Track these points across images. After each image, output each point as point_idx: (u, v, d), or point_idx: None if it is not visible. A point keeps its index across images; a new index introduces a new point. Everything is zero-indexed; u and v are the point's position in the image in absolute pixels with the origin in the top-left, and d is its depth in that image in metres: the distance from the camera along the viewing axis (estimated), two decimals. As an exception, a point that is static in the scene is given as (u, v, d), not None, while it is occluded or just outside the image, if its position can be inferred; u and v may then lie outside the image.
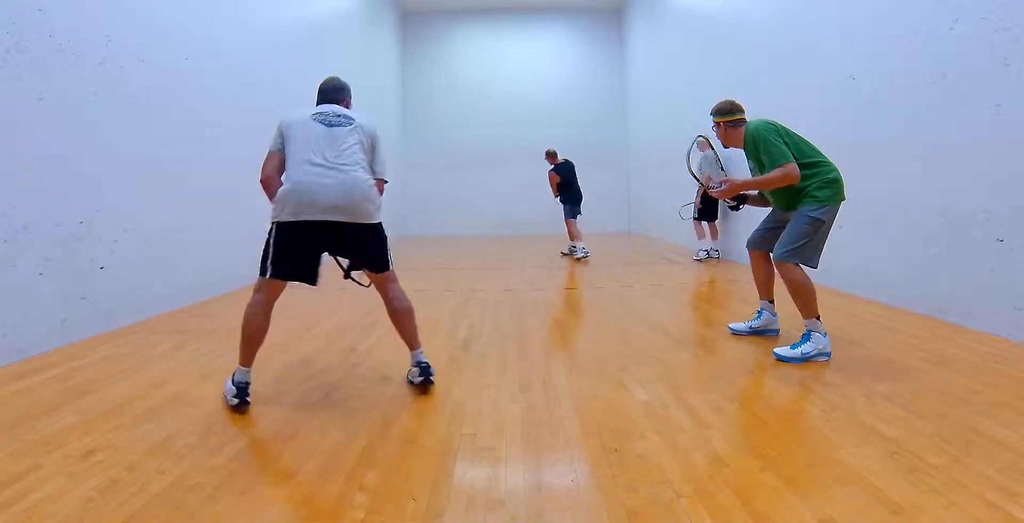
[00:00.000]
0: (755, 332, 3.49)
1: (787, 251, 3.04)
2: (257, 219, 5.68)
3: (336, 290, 5.29)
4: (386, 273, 2.63)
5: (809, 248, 3.06)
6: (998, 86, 3.26)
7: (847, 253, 4.74)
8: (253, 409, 2.33)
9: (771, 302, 3.47)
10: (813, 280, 3.00)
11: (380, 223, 2.64)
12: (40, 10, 3.19)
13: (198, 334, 3.61)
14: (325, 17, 8.06)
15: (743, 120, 3.41)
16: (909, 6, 3.98)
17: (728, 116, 3.44)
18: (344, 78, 3.02)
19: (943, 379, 2.54)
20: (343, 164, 2.47)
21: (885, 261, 4.28)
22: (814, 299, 3.01)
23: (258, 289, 2.45)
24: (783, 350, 2.98)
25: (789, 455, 1.84)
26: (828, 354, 2.96)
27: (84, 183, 3.52)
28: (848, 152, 4.75)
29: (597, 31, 13.25)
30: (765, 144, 3.10)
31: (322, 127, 2.54)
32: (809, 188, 3.09)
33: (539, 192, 13.25)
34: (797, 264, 3.04)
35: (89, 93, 3.55)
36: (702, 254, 7.21)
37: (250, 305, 2.45)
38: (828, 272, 5.00)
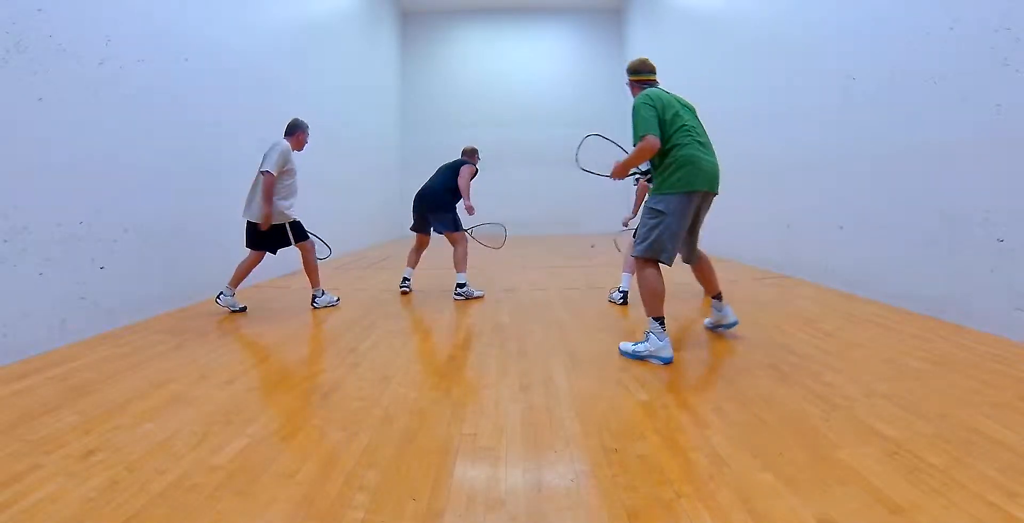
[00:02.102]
0: (715, 327, 3.44)
1: (637, 246, 2.91)
2: (257, 219, 5.68)
3: (335, 291, 5.29)
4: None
5: (657, 243, 2.85)
6: (998, 86, 3.26)
7: (847, 253, 4.75)
8: (253, 409, 2.33)
9: (716, 298, 3.36)
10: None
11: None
12: (40, 10, 3.19)
13: (198, 334, 3.61)
14: (325, 17, 8.06)
15: (644, 83, 3.24)
16: (909, 6, 3.98)
17: (631, 75, 3.28)
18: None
19: (943, 379, 2.54)
20: None
21: (885, 261, 4.28)
22: (655, 299, 2.86)
23: None
24: (625, 344, 3.03)
25: (789, 455, 1.84)
26: (664, 359, 2.80)
27: (84, 183, 3.52)
28: (848, 152, 4.76)
29: (597, 31, 13.26)
30: (633, 114, 2.93)
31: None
32: (658, 175, 2.94)
33: (539, 192, 13.29)
34: (648, 260, 2.89)
35: (89, 93, 3.55)
36: (616, 296, 4.56)
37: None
38: (828, 272, 5.03)
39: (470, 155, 5.38)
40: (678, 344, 3.28)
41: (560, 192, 13.06)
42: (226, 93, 5.19)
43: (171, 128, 4.37)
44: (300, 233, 4.51)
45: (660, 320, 2.89)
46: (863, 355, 2.95)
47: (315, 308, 4.51)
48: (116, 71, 3.77)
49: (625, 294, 4.44)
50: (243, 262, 4.42)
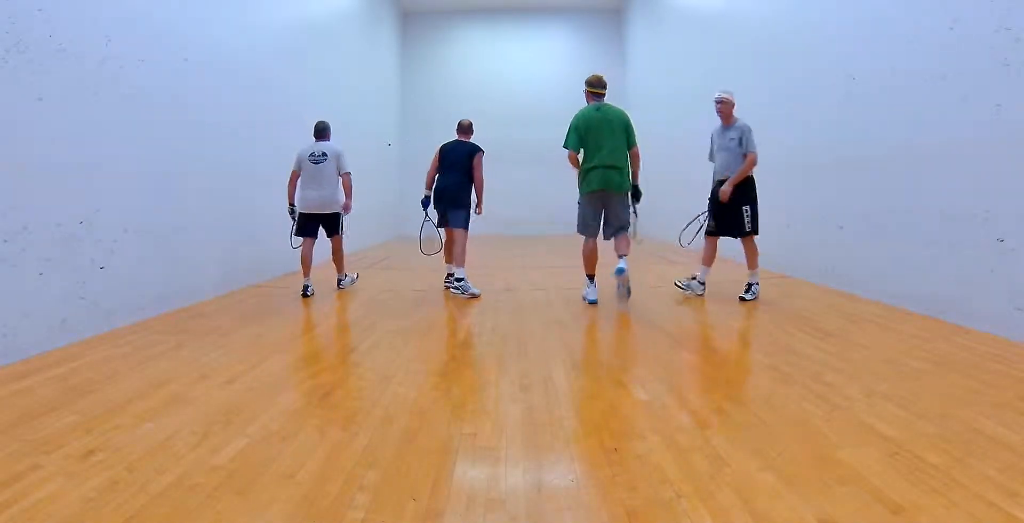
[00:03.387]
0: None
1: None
2: (256, 219, 5.70)
3: (333, 290, 5.29)
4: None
5: (580, 224, 4.52)
6: (998, 86, 3.26)
7: (847, 253, 4.75)
8: (253, 408, 2.33)
9: (622, 257, 4.49)
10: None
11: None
12: (40, 10, 3.19)
13: (198, 334, 3.61)
14: (325, 18, 8.06)
15: (593, 94, 4.51)
16: (909, 6, 3.98)
17: (585, 85, 4.59)
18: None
19: (943, 379, 2.54)
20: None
21: (885, 261, 4.28)
22: (586, 262, 4.54)
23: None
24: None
25: (789, 455, 1.84)
26: (589, 300, 4.45)
27: (84, 183, 3.52)
28: (848, 152, 4.76)
29: (597, 31, 13.25)
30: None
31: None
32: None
33: (539, 192, 13.27)
34: (582, 234, 4.52)
35: (89, 93, 3.55)
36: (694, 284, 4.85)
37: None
38: (828, 272, 5.03)
39: (468, 131, 5.35)
40: (680, 344, 3.29)
41: (560, 192, 13.04)
42: (226, 93, 5.19)
43: (171, 128, 4.37)
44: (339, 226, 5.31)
45: (590, 277, 4.57)
46: (863, 355, 2.95)
47: (340, 289, 5.33)
48: (116, 71, 3.77)
49: (701, 284, 4.82)
50: (304, 251, 5.12)
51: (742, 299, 4.41)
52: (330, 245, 5.29)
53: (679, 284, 4.89)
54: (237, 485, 1.70)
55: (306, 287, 4.91)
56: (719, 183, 4.57)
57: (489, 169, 5.39)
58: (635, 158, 4.45)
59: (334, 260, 5.36)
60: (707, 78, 7.94)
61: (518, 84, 13.12)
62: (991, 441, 1.90)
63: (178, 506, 1.58)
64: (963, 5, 3.51)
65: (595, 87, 4.47)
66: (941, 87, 3.70)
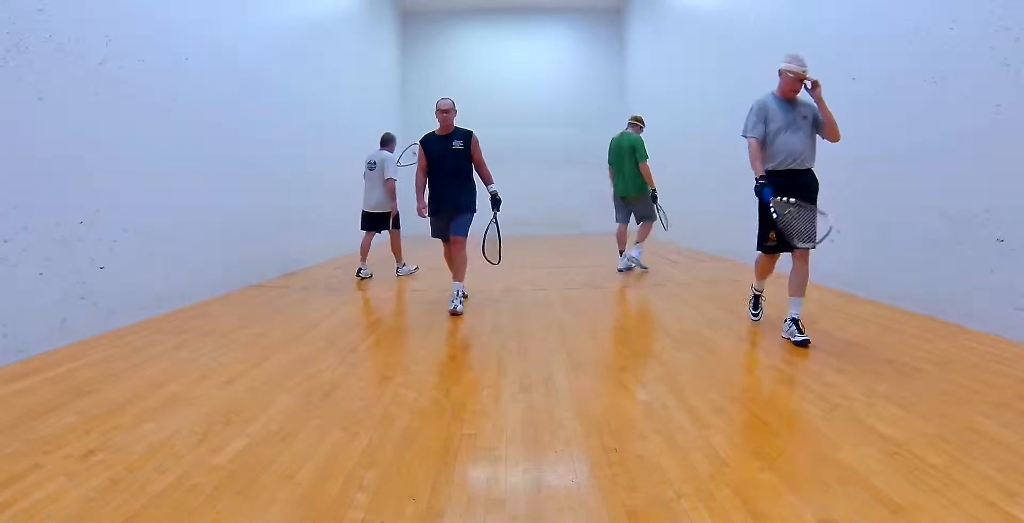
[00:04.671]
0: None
1: None
2: (256, 219, 5.70)
3: (333, 290, 5.29)
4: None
5: (615, 213, 6.53)
6: (998, 86, 3.26)
7: (847, 253, 4.74)
8: (253, 409, 2.33)
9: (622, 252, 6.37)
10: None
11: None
12: (40, 10, 3.19)
13: (198, 334, 3.61)
14: (325, 17, 8.06)
15: (630, 124, 6.49)
16: (909, 6, 3.98)
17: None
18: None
19: (943, 379, 2.54)
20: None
21: (885, 261, 4.28)
22: (618, 241, 6.42)
23: None
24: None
25: (789, 455, 1.84)
26: (618, 268, 6.24)
27: (84, 183, 3.52)
28: (848, 152, 4.75)
29: (597, 31, 13.24)
30: None
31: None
32: None
33: (539, 192, 13.27)
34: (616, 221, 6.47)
35: (89, 93, 3.55)
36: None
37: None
38: (828, 272, 5.02)
39: (445, 111, 4.45)
40: (681, 344, 3.29)
41: (560, 192, 13.06)
42: (226, 93, 5.19)
43: (171, 128, 4.37)
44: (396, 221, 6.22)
45: (620, 252, 6.33)
46: (863, 355, 2.95)
47: (397, 276, 6.16)
48: (116, 71, 3.77)
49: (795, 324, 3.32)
50: (363, 241, 6.24)
51: (803, 344, 3.10)
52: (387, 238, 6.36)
53: (752, 315, 3.79)
54: (237, 485, 1.70)
55: (360, 270, 6.03)
56: (788, 176, 3.38)
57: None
58: (644, 170, 6.16)
59: (392, 250, 6.36)
60: (707, 78, 7.94)
61: (518, 84, 13.11)
62: (991, 441, 1.90)
63: (178, 506, 1.58)
64: (963, 5, 3.51)
65: (631, 119, 6.49)
66: (941, 87, 3.70)
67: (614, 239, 6.59)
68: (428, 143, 4.47)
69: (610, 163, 6.41)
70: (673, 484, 1.67)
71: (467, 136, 4.44)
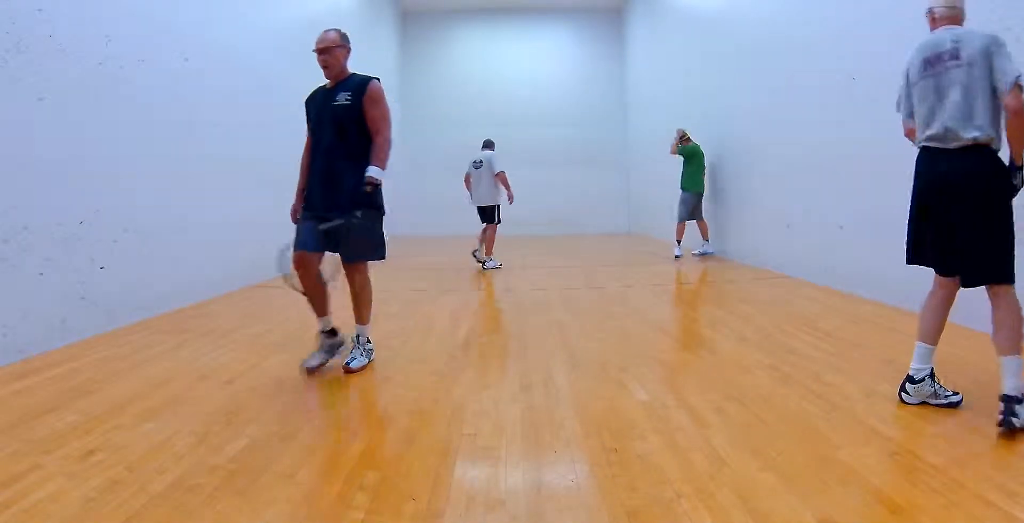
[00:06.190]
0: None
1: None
2: (256, 219, 5.70)
3: (333, 290, 5.29)
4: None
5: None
6: (998, 86, 3.25)
7: (847, 253, 4.74)
8: (253, 409, 2.33)
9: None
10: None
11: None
12: (40, 10, 3.19)
13: (198, 334, 3.61)
14: (325, 17, 8.06)
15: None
16: (909, 6, 3.97)
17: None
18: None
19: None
20: None
21: (885, 261, 4.27)
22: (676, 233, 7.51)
23: None
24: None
25: (789, 455, 1.84)
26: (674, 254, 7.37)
27: (84, 183, 3.52)
28: (848, 152, 4.75)
29: (597, 31, 13.24)
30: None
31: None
32: None
33: (539, 192, 13.26)
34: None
35: (89, 93, 3.55)
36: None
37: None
38: (828, 272, 5.02)
39: (324, 50, 2.80)
40: (678, 344, 3.29)
41: (560, 192, 13.05)
42: (226, 93, 5.19)
43: (171, 128, 4.37)
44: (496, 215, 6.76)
45: (678, 242, 7.56)
46: (863, 355, 2.95)
47: (484, 270, 6.50)
48: (116, 71, 3.77)
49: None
50: (482, 233, 6.73)
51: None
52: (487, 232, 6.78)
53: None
54: (237, 485, 1.70)
55: (475, 252, 6.67)
56: (933, 156, 2.41)
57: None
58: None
59: (483, 242, 6.73)
60: (707, 78, 7.94)
61: (518, 84, 13.10)
62: (990, 441, 1.90)
63: (178, 506, 1.58)
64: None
65: (679, 137, 7.55)
66: (941, 87, 3.69)
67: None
68: (311, 101, 2.91)
69: (700, 167, 7.39)
70: (673, 484, 1.67)
71: (360, 85, 2.77)
